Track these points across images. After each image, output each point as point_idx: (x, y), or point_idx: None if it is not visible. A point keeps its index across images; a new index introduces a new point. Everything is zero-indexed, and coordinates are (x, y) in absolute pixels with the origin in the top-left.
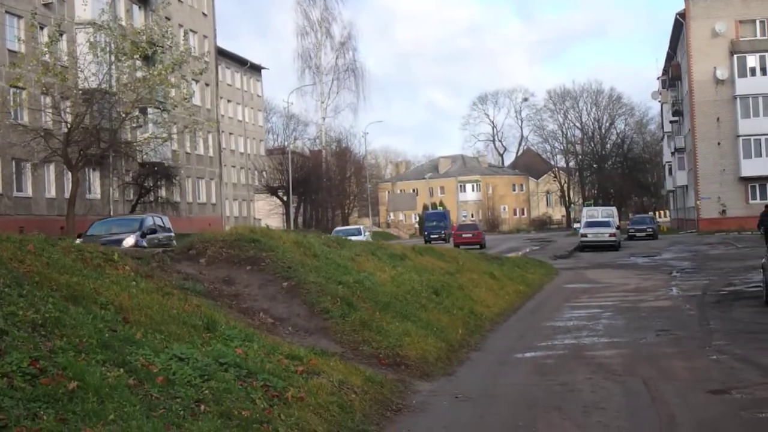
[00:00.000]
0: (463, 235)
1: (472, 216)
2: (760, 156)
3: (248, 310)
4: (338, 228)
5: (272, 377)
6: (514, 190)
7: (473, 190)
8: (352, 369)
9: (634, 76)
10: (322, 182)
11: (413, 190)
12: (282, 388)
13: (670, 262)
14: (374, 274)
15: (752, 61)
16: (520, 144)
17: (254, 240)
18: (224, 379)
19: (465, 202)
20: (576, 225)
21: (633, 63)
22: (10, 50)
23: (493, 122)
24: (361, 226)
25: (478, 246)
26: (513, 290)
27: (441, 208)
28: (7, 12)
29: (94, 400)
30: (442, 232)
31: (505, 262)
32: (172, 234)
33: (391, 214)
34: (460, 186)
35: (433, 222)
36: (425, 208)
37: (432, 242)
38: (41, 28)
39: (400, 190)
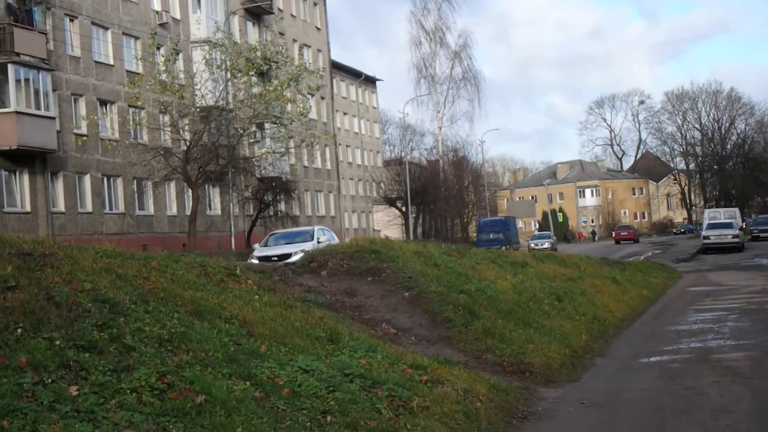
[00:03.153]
0: (622, 233)
1: (592, 221)
2: None
3: (371, 321)
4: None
5: (397, 387)
6: (633, 194)
7: (592, 195)
8: (476, 377)
9: (757, 75)
10: (439, 192)
11: (532, 197)
12: (407, 398)
13: None
14: (495, 282)
15: None
16: (638, 147)
17: (374, 251)
18: (349, 390)
19: (584, 207)
20: (699, 227)
21: (756, 61)
22: (128, 71)
23: (610, 126)
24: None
25: (632, 241)
26: (636, 294)
27: (560, 214)
28: (124, 34)
29: (221, 413)
30: (503, 246)
31: (627, 267)
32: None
33: None
34: (579, 191)
35: (489, 234)
36: (545, 214)
37: None
38: (158, 48)
39: (519, 198)
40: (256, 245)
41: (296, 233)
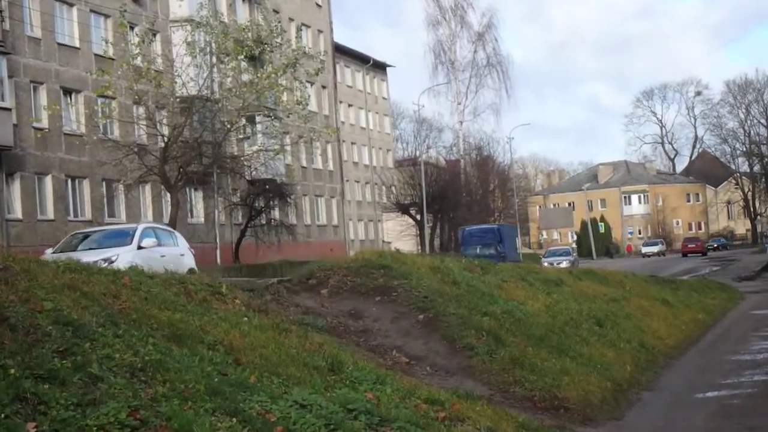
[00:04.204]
0: (689, 245)
1: (639, 233)
2: None
3: (379, 348)
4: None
5: (409, 425)
6: (688, 200)
7: (640, 201)
8: (502, 414)
9: None
10: (460, 197)
11: (569, 204)
12: None
13: None
14: (525, 302)
15: None
16: (693, 146)
17: (384, 266)
18: (353, 429)
19: (630, 216)
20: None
21: None
22: (97, 55)
23: (661, 121)
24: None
25: (701, 254)
26: (690, 318)
27: (602, 223)
28: (92, 11)
29: None
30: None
31: (680, 286)
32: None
33: (544, 233)
34: (625, 197)
35: (476, 247)
36: (584, 224)
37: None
38: (131, 28)
39: (554, 204)
40: (48, 251)
41: (110, 234)
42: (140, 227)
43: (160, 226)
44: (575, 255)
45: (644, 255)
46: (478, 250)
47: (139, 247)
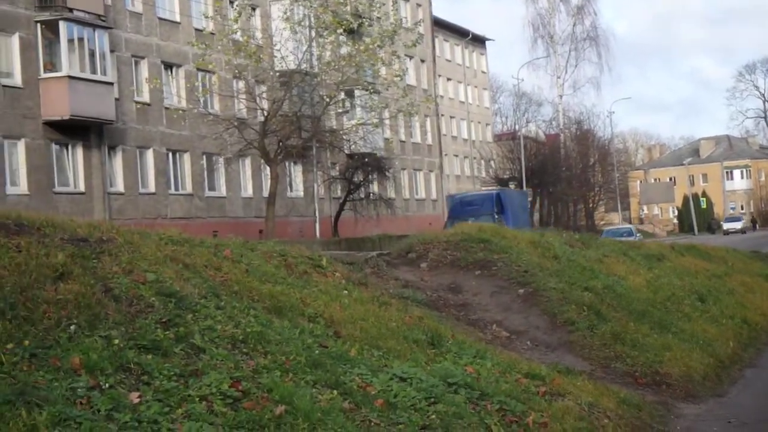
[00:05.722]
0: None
1: (742, 208)
2: None
3: (478, 322)
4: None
5: (509, 400)
6: None
7: (742, 177)
8: (603, 389)
9: None
10: (560, 172)
11: (670, 179)
12: (521, 413)
13: None
14: (626, 277)
15: None
16: None
17: (483, 240)
18: (453, 402)
19: (732, 191)
20: None
21: None
22: (196, 29)
23: (763, 96)
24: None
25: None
26: None
27: (703, 199)
28: None
29: (304, 426)
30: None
31: None
32: None
33: (644, 208)
34: (726, 172)
35: (467, 218)
36: (685, 199)
37: None
38: (231, 2)
39: (654, 179)
40: None
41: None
42: None
43: None
44: (639, 236)
45: (726, 232)
46: (470, 221)
47: None
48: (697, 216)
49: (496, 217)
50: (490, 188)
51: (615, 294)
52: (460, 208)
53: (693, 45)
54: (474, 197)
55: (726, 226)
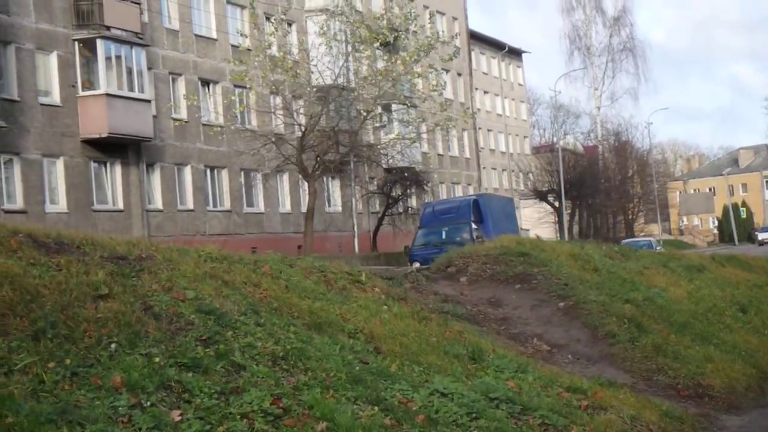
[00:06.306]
0: None
1: None
2: None
3: (519, 336)
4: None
5: (551, 414)
6: None
7: None
8: (645, 402)
9: None
10: (599, 183)
11: (709, 189)
12: (564, 426)
13: None
14: (667, 289)
15: None
16: None
17: (523, 253)
18: (495, 417)
19: None
20: None
21: None
22: (233, 45)
23: None
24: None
25: None
26: None
27: (743, 209)
28: (228, 2)
29: None
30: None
31: None
32: None
33: (684, 219)
34: (766, 182)
35: (441, 231)
36: (725, 209)
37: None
38: (267, 19)
39: (694, 190)
40: None
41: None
42: None
43: None
44: (660, 248)
45: (761, 242)
46: (444, 236)
47: None
48: (737, 226)
49: (474, 226)
50: (468, 195)
51: (656, 306)
52: (432, 216)
53: (730, 52)
54: (449, 205)
55: (761, 236)
